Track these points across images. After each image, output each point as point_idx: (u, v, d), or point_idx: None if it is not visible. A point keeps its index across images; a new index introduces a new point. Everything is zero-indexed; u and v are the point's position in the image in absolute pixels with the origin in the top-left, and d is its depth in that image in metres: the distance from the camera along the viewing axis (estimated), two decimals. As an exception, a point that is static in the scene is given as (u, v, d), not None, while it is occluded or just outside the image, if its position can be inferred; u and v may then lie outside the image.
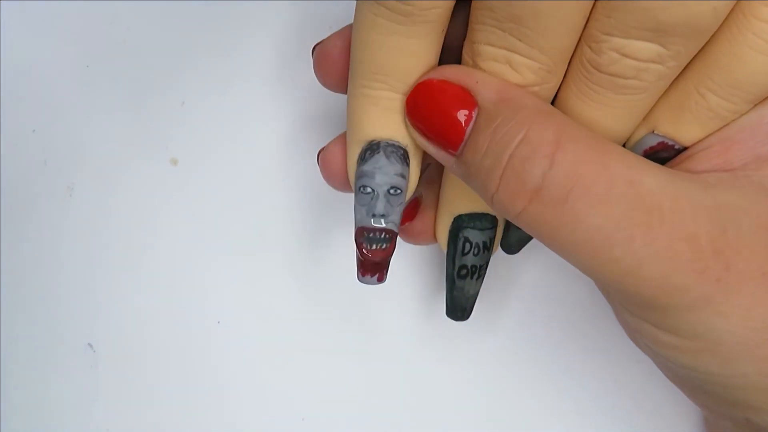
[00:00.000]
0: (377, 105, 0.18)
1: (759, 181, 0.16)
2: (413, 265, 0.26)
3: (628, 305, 0.17)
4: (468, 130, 0.17)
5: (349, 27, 0.19)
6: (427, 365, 0.26)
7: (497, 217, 0.20)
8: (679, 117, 0.17)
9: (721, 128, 0.17)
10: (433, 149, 0.18)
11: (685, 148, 0.18)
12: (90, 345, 0.26)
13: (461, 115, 0.17)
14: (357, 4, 0.17)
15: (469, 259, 0.21)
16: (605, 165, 0.15)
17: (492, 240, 0.21)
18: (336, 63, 0.19)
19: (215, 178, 0.26)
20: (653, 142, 0.18)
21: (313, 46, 0.20)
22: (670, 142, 0.18)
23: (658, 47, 0.15)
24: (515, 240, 0.22)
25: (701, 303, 0.16)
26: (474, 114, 0.17)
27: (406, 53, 0.17)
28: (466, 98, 0.17)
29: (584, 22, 0.15)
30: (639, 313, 0.17)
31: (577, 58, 0.16)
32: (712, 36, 0.16)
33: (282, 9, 0.26)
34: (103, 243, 0.26)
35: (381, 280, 0.20)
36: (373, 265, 0.19)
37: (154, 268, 0.26)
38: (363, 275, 0.19)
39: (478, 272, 0.21)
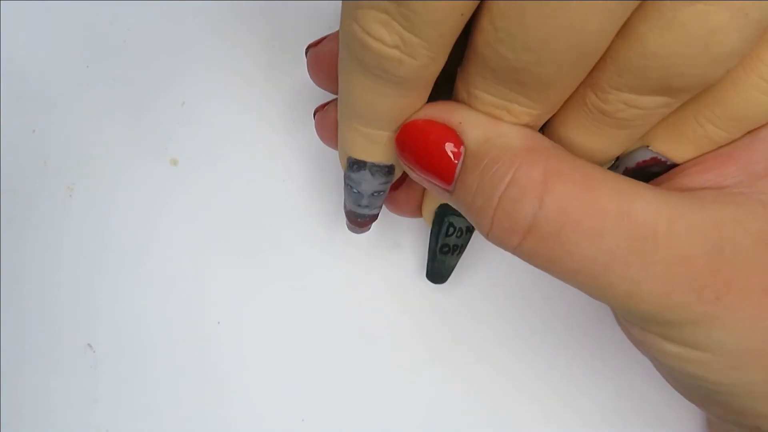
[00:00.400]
0: (367, 138, 0.18)
1: (756, 197, 0.17)
2: (413, 266, 0.26)
3: (632, 319, 0.17)
4: (458, 169, 0.17)
5: None
6: (427, 366, 0.26)
7: None
8: (675, 139, 0.18)
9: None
10: (428, 185, 0.18)
11: (676, 165, 0.18)
12: (90, 345, 0.26)
13: (449, 154, 0.17)
14: (341, 59, 0.17)
15: (452, 240, 0.22)
16: (595, 199, 0.15)
17: None
18: (330, 65, 0.19)
19: (215, 179, 0.26)
20: (646, 156, 0.18)
21: (306, 46, 0.20)
22: (663, 158, 0.18)
23: (667, 99, 0.15)
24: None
25: (705, 317, 0.16)
26: (461, 152, 0.17)
27: (394, 106, 0.17)
28: (452, 138, 0.17)
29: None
30: (644, 326, 0.17)
31: (579, 98, 0.16)
32: None
33: (283, 9, 0.26)
34: (103, 243, 0.26)
35: (365, 231, 0.23)
36: (359, 227, 0.22)
37: (153, 268, 0.26)
38: (351, 229, 0.23)
39: (459, 249, 0.23)
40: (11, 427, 0.26)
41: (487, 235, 0.17)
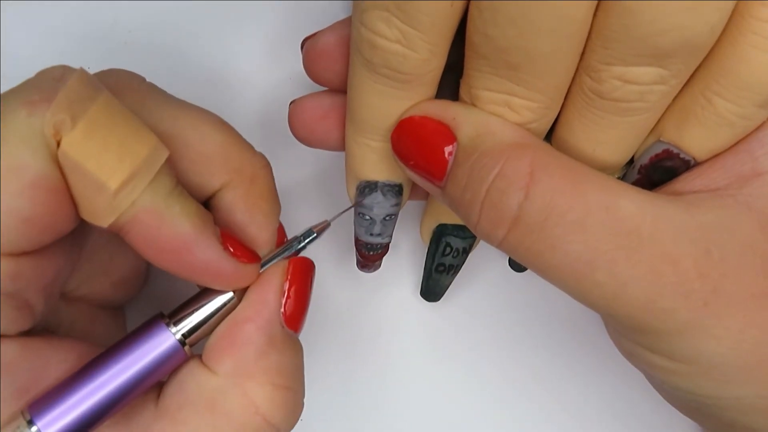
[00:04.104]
0: (375, 153, 0.19)
1: (743, 200, 0.17)
2: (413, 267, 0.26)
3: (620, 329, 0.18)
4: (449, 164, 0.17)
5: (340, 23, 0.20)
6: (426, 366, 0.26)
7: None
8: (685, 123, 0.17)
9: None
10: (420, 181, 0.18)
11: (695, 161, 0.18)
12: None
13: (442, 150, 0.17)
14: (352, 69, 0.18)
15: (448, 260, 0.23)
16: (580, 193, 0.16)
17: (472, 245, 0.22)
18: (325, 58, 0.20)
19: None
20: (658, 149, 0.18)
21: (302, 40, 0.20)
22: (675, 150, 0.18)
23: (659, 70, 0.15)
24: None
25: (692, 326, 0.16)
26: (454, 148, 0.17)
27: (401, 111, 0.18)
28: (446, 133, 0.17)
29: (579, 57, 0.16)
30: (632, 336, 0.17)
31: (577, 86, 0.16)
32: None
33: (283, 10, 0.26)
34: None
35: (377, 269, 0.23)
36: (369, 263, 0.23)
37: (151, 270, 0.26)
38: (361, 268, 0.23)
39: (455, 269, 0.23)
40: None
41: (475, 228, 0.17)
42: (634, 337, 0.17)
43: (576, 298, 0.17)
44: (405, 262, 0.26)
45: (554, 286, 0.17)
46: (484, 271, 0.26)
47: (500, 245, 0.17)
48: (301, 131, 0.21)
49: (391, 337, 0.26)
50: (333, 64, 0.19)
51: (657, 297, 0.15)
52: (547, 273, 0.17)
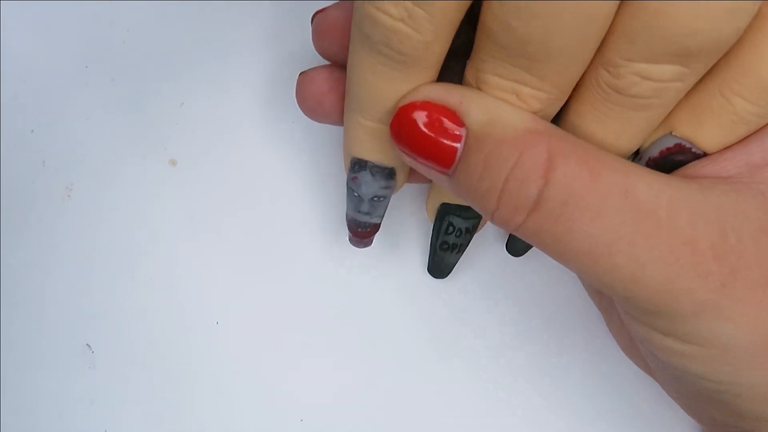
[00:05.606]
0: (369, 133, 0.18)
1: (755, 187, 0.16)
2: (414, 266, 0.26)
3: (635, 313, 0.17)
4: (459, 152, 0.17)
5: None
6: (426, 366, 0.26)
7: None
8: (700, 119, 0.17)
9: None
10: (422, 169, 0.18)
11: (705, 154, 0.17)
12: (88, 345, 0.26)
13: (449, 136, 0.16)
14: (352, 44, 0.17)
15: (451, 239, 0.22)
16: (598, 177, 0.15)
17: (476, 225, 0.22)
18: (334, 32, 0.19)
19: (213, 179, 0.26)
20: (670, 143, 0.18)
21: (313, 13, 0.20)
22: (687, 145, 0.17)
23: (680, 68, 0.15)
24: (522, 246, 0.24)
25: (709, 307, 0.15)
26: (462, 135, 0.16)
27: (398, 91, 0.17)
28: (453, 119, 0.16)
29: (596, 51, 0.15)
30: (647, 320, 0.17)
31: (591, 80, 0.16)
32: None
33: (282, 10, 0.26)
34: (102, 243, 0.26)
35: (367, 245, 0.23)
36: (357, 239, 0.22)
37: (152, 268, 0.26)
38: (353, 243, 0.23)
39: (459, 248, 0.23)
40: (10, 427, 0.26)
41: (492, 216, 0.17)
42: (649, 321, 0.17)
43: (592, 282, 0.17)
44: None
45: (557, 276, 0.17)
46: (487, 266, 0.26)
47: (517, 230, 0.16)
48: (308, 103, 0.20)
49: (393, 329, 0.26)
50: (341, 39, 0.19)
51: (675, 278, 0.15)
52: (565, 257, 0.16)
